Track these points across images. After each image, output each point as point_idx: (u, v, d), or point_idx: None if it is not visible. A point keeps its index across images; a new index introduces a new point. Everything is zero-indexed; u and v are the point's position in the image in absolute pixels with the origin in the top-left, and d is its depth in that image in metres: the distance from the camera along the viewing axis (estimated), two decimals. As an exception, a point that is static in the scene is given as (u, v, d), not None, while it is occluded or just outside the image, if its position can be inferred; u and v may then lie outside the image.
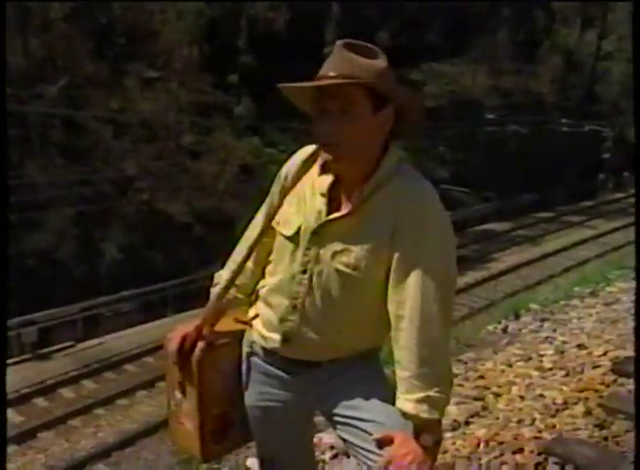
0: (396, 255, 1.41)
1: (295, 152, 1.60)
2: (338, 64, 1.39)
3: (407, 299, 1.39)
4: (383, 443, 1.37)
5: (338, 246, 1.45)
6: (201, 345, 1.60)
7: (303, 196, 1.52)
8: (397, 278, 1.41)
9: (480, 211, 21.46)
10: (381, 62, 1.42)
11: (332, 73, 1.39)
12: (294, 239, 1.50)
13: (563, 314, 5.74)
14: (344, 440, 1.51)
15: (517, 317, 6.23)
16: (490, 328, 5.81)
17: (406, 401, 1.38)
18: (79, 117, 16.55)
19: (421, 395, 1.37)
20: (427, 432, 1.37)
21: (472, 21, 24.55)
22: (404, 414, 1.39)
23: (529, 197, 22.15)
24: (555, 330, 4.97)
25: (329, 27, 21.15)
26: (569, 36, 29.12)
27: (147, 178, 16.99)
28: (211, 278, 1.70)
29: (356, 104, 1.38)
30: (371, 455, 1.41)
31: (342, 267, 1.45)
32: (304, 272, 1.48)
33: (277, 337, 1.53)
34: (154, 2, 18.96)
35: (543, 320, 5.62)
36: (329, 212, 1.46)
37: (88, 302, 12.98)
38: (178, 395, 1.66)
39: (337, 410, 1.51)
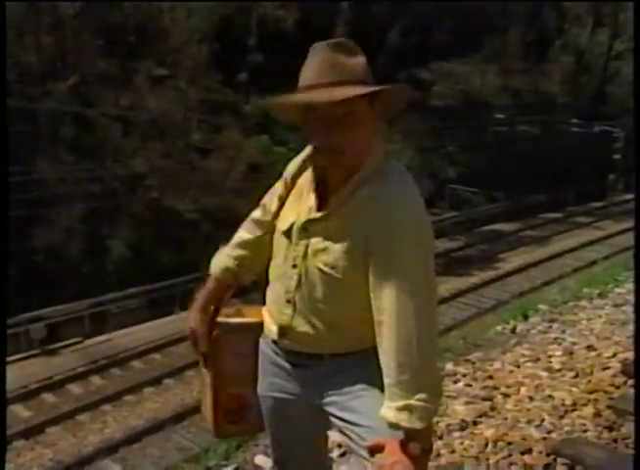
0: (371, 260, 1.39)
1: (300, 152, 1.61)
2: (328, 68, 1.36)
3: (385, 305, 1.37)
4: (374, 450, 1.36)
5: (320, 244, 1.45)
6: (219, 322, 1.68)
7: (301, 193, 1.53)
8: (374, 284, 1.39)
9: (489, 210, 21.40)
10: (363, 57, 1.40)
11: (326, 80, 1.36)
12: (287, 234, 1.51)
13: (572, 315, 5.69)
14: (344, 441, 1.52)
15: (525, 318, 6.17)
16: (499, 328, 5.76)
17: (388, 409, 1.36)
18: (89, 115, 16.62)
19: (401, 403, 1.34)
20: (415, 440, 1.34)
21: (482, 20, 24.44)
22: (388, 422, 1.36)
23: (538, 197, 22.04)
24: (564, 331, 4.93)
25: (339, 26, 21.10)
26: (580, 36, 28.94)
27: (156, 176, 17.04)
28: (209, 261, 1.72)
29: (359, 107, 1.37)
30: (364, 462, 1.41)
31: (321, 266, 1.44)
32: (295, 267, 1.49)
33: (275, 329, 1.55)
34: (164, 0, 19.00)
35: (552, 321, 5.57)
36: (319, 209, 1.46)
37: (96, 298, 13.04)
38: (203, 369, 1.74)
39: (335, 411, 1.50)
